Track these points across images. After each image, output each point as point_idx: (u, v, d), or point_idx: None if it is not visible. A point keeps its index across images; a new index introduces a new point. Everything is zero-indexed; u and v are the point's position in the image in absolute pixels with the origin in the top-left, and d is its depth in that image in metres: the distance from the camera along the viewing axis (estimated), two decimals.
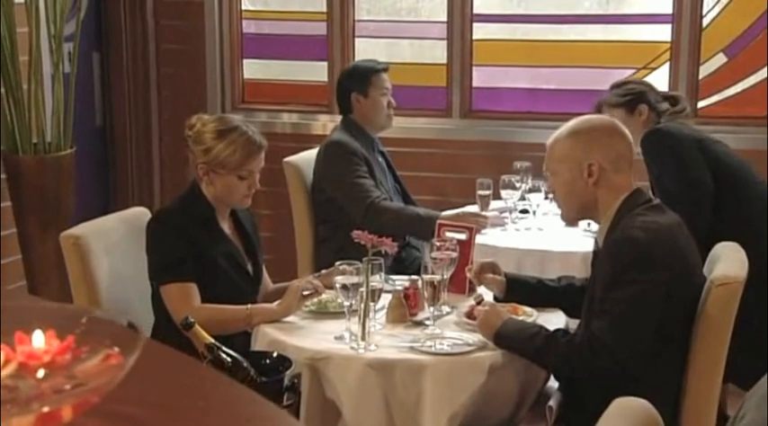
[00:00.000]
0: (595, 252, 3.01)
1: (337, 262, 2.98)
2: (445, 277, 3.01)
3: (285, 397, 2.78)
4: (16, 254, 4.73)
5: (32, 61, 4.56)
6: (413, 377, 2.78)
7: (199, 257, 3.23)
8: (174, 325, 3.02)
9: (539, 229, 4.17)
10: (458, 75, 5.34)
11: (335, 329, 3.00)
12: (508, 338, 2.86)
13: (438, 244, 3.14)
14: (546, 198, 4.09)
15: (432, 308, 2.98)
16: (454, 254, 3.10)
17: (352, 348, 2.87)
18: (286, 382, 2.77)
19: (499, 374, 2.83)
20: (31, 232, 4.61)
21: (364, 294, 2.88)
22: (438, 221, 3.66)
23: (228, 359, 2.73)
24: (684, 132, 3.89)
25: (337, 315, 3.07)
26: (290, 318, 3.12)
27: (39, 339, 0.97)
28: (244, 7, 5.68)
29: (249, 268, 3.40)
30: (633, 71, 5.10)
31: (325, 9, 5.50)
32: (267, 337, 3.01)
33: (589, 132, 2.94)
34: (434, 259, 3.05)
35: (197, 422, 1.12)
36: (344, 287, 2.90)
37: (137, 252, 3.31)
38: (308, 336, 3.00)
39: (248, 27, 5.70)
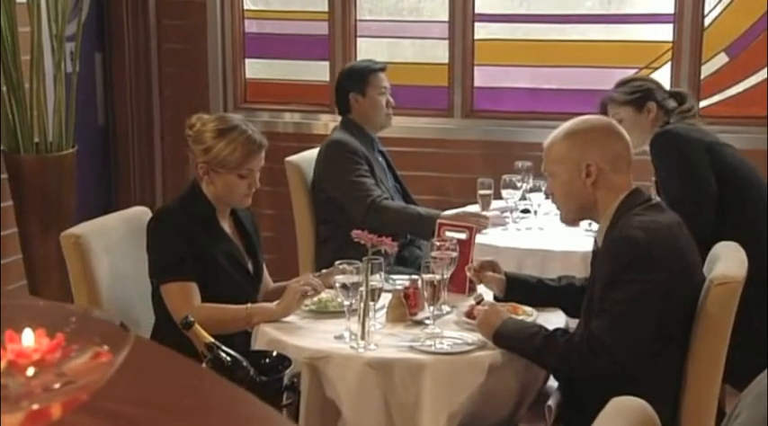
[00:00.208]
0: (595, 252, 3.01)
1: (337, 262, 2.98)
2: (445, 276, 3.01)
3: (285, 396, 2.78)
4: (17, 254, 4.74)
5: (34, 60, 4.57)
6: (412, 376, 2.78)
7: (199, 256, 3.23)
8: (174, 324, 3.02)
9: (539, 229, 4.17)
10: (459, 75, 5.35)
11: (335, 328, 3.00)
12: (507, 337, 2.86)
13: (438, 243, 3.15)
14: (546, 197, 4.08)
15: (431, 308, 2.98)
16: (454, 254, 3.11)
17: (351, 347, 2.87)
18: (285, 381, 2.78)
19: (498, 373, 2.83)
20: (33, 231, 4.62)
21: (364, 293, 2.88)
22: (438, 221, 3.66)
23: (228, 359, 2.73)
24: (692, 135, 3.88)
25: (337, 314, 3.07)
26: (290, 317, 3.12)
27: (28, 337, 0.97)
28: (246, 7, 5.68)
29: (249, 267, 3.41)
30: (635, 71, 5.10)
31: (326, 9, 5.51)
32: (267, 336, 3.02)
33: (586, 132, 2.94)
34: (434, 258, 3.06)
35: (191, 422, 1.13)
36: (344, 286, 2.90)
37: (137, 252, 3.31)
38: (308, 335, 3.00)
39: (250, 26, 5.71)
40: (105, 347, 0.94)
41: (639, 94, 4.03)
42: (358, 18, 5.51)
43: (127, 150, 5.73)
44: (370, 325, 2.91)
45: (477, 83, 5.37)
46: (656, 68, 5.10)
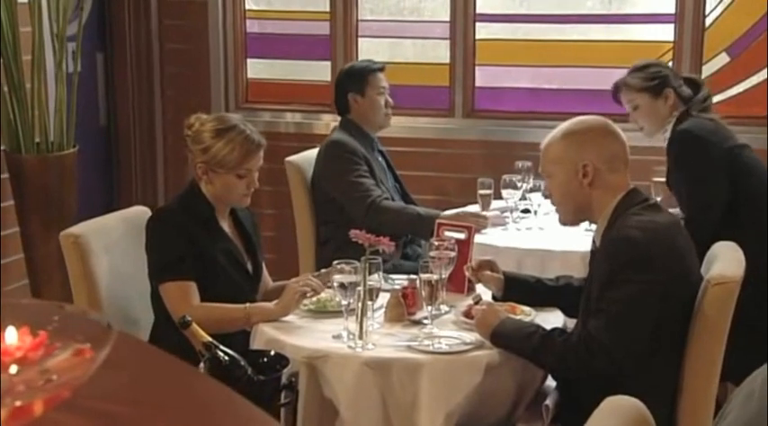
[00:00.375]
0: (593, 252, 3.01)
1: (335, 261, 2.99)
2: (443, 276, 3.02)
3: (283, 396, 2.78)
4: (19, 254, 4.75)
5: (35, 60, 4.58)
6: (410, 375, 2.78)
7: (199, 256, 3.23)
8: (173, 324, 3.02)
9: (539, 229, 4.17)
10: (460, 75, 5.35)
11: (334, 328, 3.00)
12: (505, 337, 2.86)
13: (436, 243, 3.15)
14: (546, 197, 4.08)
15: (430, 307, 2.99)
16: (453, 254, 3.11)
17: (349, 346, 2.87)
18: (283, 380, 2.78)
19: (496, 373, 2.84)
20: (34, 231, 4.63)
21: (362, 293, 2.88)
22: (437, 221, 3.67)
23: (226, 358, 2.73)
24: (714, 139, 3.86)
25: (336, 313, 3.08)
26: (289, 317, 3.13)
27: (12, 335, 0.98)
28: (247, 7, 5.69)
29: (249, 266, 3.41)
30: None
31: (328, 9, 5.52)
32: (265, 336, 3.02)
33: (583, 133, 2.94)
34: (433, 258, 3.06)
35: (180, 421, 1.13)
36: (342, 286, 2.91)
37: (137, 251, 3.32)
38: (306, 335, 3.00)
39: (252, 27, 5.72)
40: (87, 344, 0.94)
41: (658, 81, 4.00)
42: (359, 18, 5.51)
43: (129, 150, 5.74)
44: (368, 325, 2.91)
45: (478, 83, 5.37)
46: None
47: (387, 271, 3.63)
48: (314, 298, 3.19)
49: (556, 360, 2.84)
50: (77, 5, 4.86)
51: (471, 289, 3.31)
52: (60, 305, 1.11)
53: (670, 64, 5.06)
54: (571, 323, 3.11)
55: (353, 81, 4.40)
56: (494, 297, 3.21)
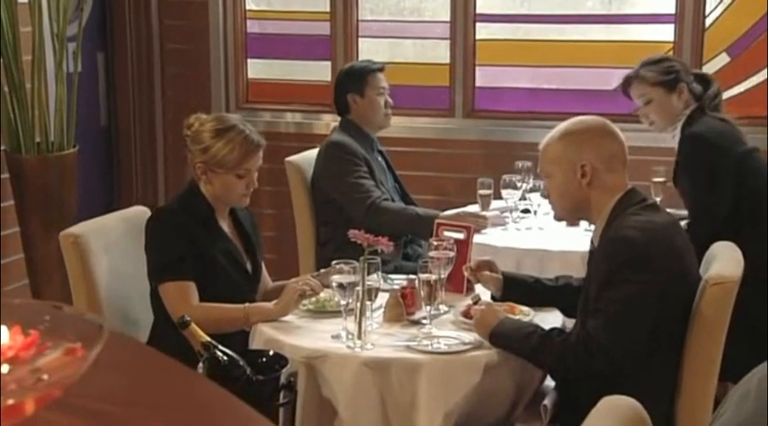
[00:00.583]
0: (591, 252, 3.01)
1: (334, 261, 2.99)
2: (442, 276, 3.02)
3: (281, 395, 2.79)
4: (19, 254, 4.75)
5: (35, 60, 4.59)
6: (408, 375, 2.79)
7: (198, 256, 3.24)
8: (172, 324, 3.02)
9: (539, 229, 4.17)
10: (461, 75, 5.35)
11: (333, 328, 3.01)
12: (504, 337, 2.87)
13: (435, 243, 3.15)
14: (545, 197, 4.08)
15: (428, 307, 2.99)
16: (451, 254, 3.12)
17: (348, 346, 2.88)
18: (282, 380, 2.78)
19: (495, 373, 2.84)
20: (34, 231, 4.63)
21: (360, 293, 2.88)
22: (436, 221, 3.67)
23: (225, 358, 2.74)
24: (725, 143, 3.84)
25: (335, 313, 3.08)
26: (288, 317, 3.13)
27: (4, 335, 0.98)
28: (248, 7, 5.69)
29: (248, 266, 3.41)
30: None
31: (328, 9, 5.52)
32: (264, 335, 3.03)
33: (581, 133, 2.94)
34: (432, 258, 3.06)
35: (172, 420, 1.13)
36: (341, 286, 2.91)
37: (136, 251, 3.32)
38: (305, 335, 3.01)
39: (252, 27, 5.72)
40: (78, 343, 0.95)
41: (673, 75, 3.97)
42: (359, 18, 5.52)
43: (129, 150, 5.74)
44: (366, 325, 2.91)
45: (478, 83, 5.37)
46: None
47: (388, 273, 3.64)
48: (313, 298, 3.19)
49: (554, 360, 2.84)
50: (78, 5, 4.87)
51: (470, 289, 3.31)
52: (58, 305, 1.11)
53: None
54: (570, 323, 3.10)
55: (353, 81, 4.40)
56: (493, 297, 3.22)
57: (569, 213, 3.05)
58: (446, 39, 5.38)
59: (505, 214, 4.27)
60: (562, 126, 2.98)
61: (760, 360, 1.65)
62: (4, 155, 4.69)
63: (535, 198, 4.22)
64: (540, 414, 2.92)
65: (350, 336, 2.90)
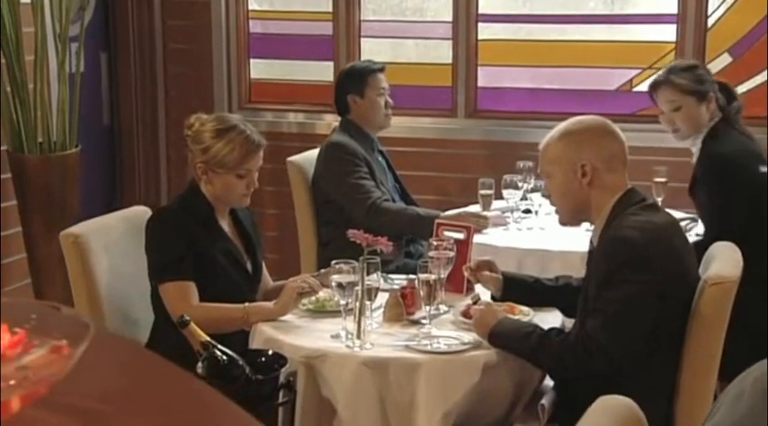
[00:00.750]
0: (590, 252, 3.01)
1: (333, 261, 2.99)
2: (442, 276, 3.02)
3: (281, 395, 2.79)
4: (21, 253, 4.76)
5: (38, 60, 4.59)
6: (407, 375, 2.79)
7: (198, 255, 3.24)
8: (172, 324, 3.02)
9: (540, 229, 4.17)
10: (463, 75, 5.36)
11: (332, 327, 3.01)
12: (503, 337, 2.87)
13: (435, 243, 3.16)
14: (546, 197, 4.08)
15: (428, 307, 2.99)
16: (451, 253, 3.12)
17: (347, 346, 2.88)
18: (281, 380, 2.79)
19: (493, 373, 2.84)
20: (36, 231, 4.64)
21: (360, 292, 2.88)
22: (436, 221, 3.67)
23: (224, 357, 2.74)
24: (744, 162, 3.78)
25: (334, 313, 3.08)
26: (288, 317, 3.13)
27: None
28: (250, 7, 5.70)
29: (248, 266, 3.41)
30: (638, 71, 5.11)
31: (330, 9, 5.52)
32: (264, 335, 3.03)
33: (581, 133, 2.93)
34: (431, 258, 3.07)
35: (162, 418, 1.14)
36: (341, 285, 2.91)
37: (137, 251, 3.32)
38: (305, 334, 3.01)
39: (255, 27, 5.73)
40: (64, 341, 0.95)
41: (707, 85, 3.90)
42: (362, 18, 5.52)
43: (132, 150, 5.75)
44: (366, 325, 2.92)
45: (480, 83, 5.37)
46: (659, 69, 5.08)
47: (390, 272, 3.65)
48: (312, 298, 3.20)
49: (553, 360, 2.84)
50: (80, 5, 4.87)
51: (470, 289, 3.32)
52: (57, 306, 1.11)
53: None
54: (569, 323, 3.10)
55: (353, 82, 4.40)
56: (492, 297, 3.22)
57: (573, 214, 3.03)
58: (448, 39, 5.38)
59: (506, 214, 4.27)
60: (562, 126, 2.98)
61: (759, 360, 1.65)
62: (6, 155, 4.69)
63: (536, 198, 4.22)
64: (538, 414, 2.92)
65: (349, 336, 2.90)
